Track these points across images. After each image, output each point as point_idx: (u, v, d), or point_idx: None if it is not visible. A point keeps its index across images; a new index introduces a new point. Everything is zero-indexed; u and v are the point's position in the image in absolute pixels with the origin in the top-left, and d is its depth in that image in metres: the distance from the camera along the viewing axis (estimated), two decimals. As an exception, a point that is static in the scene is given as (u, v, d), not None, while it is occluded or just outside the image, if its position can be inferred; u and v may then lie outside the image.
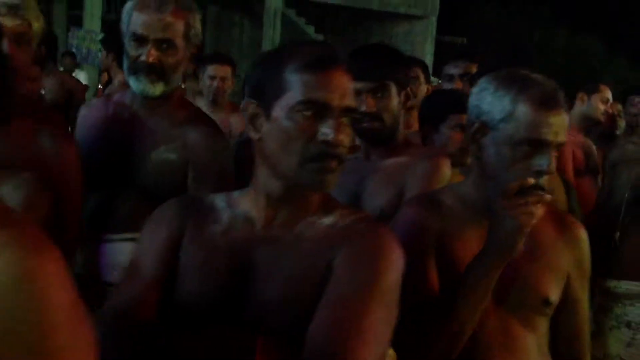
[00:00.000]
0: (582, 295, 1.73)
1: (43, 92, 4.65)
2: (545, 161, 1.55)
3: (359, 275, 1.28)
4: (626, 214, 2.84)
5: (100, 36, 11.12)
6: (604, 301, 2.89)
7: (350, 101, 1.32)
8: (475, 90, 1.66)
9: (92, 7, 11.06)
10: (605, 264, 2.88)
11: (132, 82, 2.10)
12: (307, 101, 1.29)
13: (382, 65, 2.02)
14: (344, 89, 1.31)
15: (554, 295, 1.65)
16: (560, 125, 1.56)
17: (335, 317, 1.24)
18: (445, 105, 2.48)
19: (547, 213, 1.70)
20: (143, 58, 2.05)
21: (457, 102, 2.47)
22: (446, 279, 1.59)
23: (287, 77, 1.31)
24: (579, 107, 4.18)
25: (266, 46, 12.74)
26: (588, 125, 4.19)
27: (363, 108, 2.01)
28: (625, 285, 2.81)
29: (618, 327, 2.82)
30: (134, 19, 2.07)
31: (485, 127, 1.60)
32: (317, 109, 1.29)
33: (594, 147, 4.09)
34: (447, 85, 3.57)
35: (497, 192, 1.58)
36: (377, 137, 2.06)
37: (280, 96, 1.31)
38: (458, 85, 3.51)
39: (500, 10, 18.84)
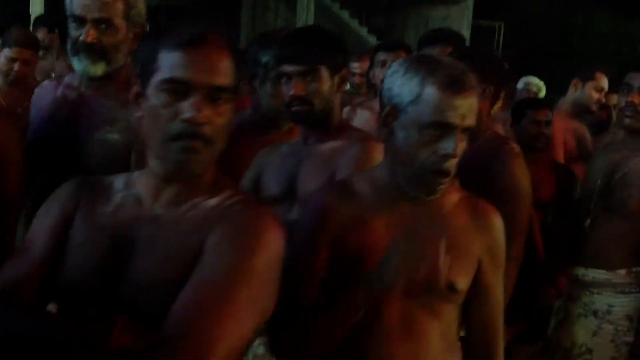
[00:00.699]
0: (495, 282, 1.69)
1: (53, 75, 4.75)
2: (451, 144, 1.52)
3: (227, 255, 1.27)
4: (597, 202, 2.77)
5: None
6: (572, 289, 2.82)
7: (220, 79, 1.30)
8: (387, 73, 1.64)
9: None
10: (575, 251, 2.82)
11: (74, 63, 2.13)
12: (171, 79, 1.29)
13: (313, 49, 2.00)
14: (211, 67, 1.30)
15: (461, 282, 1.62)
16: (467, 108, 1.53)
17: (194, 298, 1.23)
18: None
19: (460, 198, 1.67)
20: (82, 38, 2.08)
21: None
22: (350, 264, 1.57)
23: (158, 55, 1.32)
24: (572, 93, 4.05)
25: (299, 31, 12.70)
26: (579, 112, 4.06)
27: (292, 92, 2.00)
28: (592, 274, 2.73)
29: (585, 316, 2.75)
30: (74, 1, 2.10)
31: (396, 110, 1.57)
32: (180, 88, 1.29)
33: (587, 133, 3.97)
34: None
35: (407, 176, 1.56)
36: (308, 120, 2.05)
37: (153, 75, 1.32)
38: None
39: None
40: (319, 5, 13.42)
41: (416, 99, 1.53)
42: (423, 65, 1.56)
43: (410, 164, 1.55)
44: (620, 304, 2.68)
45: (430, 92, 1.52)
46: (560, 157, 3.78)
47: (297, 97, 2.00)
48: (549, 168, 3.61)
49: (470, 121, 1.55)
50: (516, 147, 2.69)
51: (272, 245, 1.31)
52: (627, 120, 2.63)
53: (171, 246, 1.32)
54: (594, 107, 4.01)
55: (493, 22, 15.73)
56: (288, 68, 2.00)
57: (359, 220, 1.60)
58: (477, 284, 1.66)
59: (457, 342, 1.68)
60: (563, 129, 3.81)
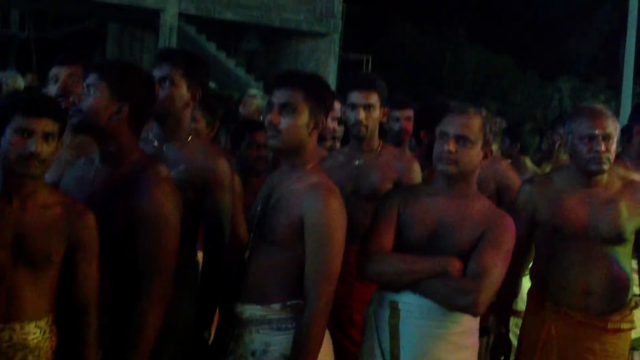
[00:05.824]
0: None
1: None
2: None
3: None
4: (255, 230, 2.47)
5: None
6: (237, 329, 2.50)
7: None
8: None
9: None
10: (236, 286, 2.51)
11: None
12: None
13: None
14: None
15: None
16: None
17: None
18: None
19: None
20: None
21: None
22: None
23: None
24: None
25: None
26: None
27: None
28: (249, 310, 2.40)
29: (245, 357, 2.43)
30: None
31: None
32: None
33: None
34: None
35: None
36: None
37: None
38: None
39: (413, 30, 18.73)
40: (184, 37, 13.11)
41: None
42: None
43: None
44: (276, 343, 2.36)
45: None
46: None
47: None
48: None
49: None
50: (163, 171, 2.37)
51: None
52: (270, 141, 2.36)
53: None
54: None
55: (361, 55, 15.86)
56: None
57: None
58: None
59: None
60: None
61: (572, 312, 2.82)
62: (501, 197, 3.44)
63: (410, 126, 4.06)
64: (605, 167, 2.74)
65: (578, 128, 2.75)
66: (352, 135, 3.28)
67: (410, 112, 4.09)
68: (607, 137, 2.72)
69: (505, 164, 3.66)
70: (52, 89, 2.96)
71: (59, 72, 3.00)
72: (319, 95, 2.34)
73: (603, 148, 2.70)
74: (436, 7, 19.86)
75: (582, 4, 20.56)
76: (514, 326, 3.43)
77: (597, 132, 2.71)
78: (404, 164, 3.25)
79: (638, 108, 3.59)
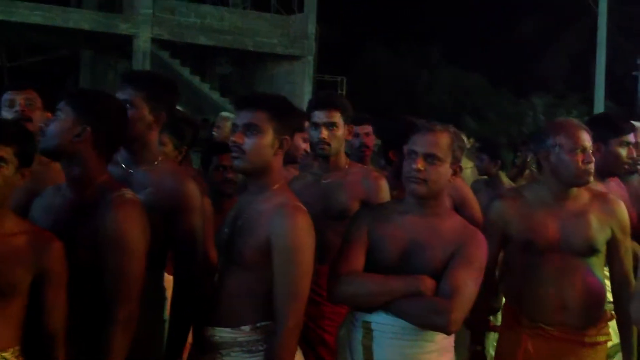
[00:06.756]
0: None
1: None
2: None
3: None
4: (223, 253, 2.44)
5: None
6: (207, 353, 2.45)
7: None
8: None
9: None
10: (206, 309, 2.46)
11: None
12: None
13: None
14: None
15: None
16: None
17: None
18: None
19: None
20: None
21: None
22: None
23: None
24: None
25: (136, 88, 12.27)
26: None
27: None
28: (219, 333, 2.36)
29: (218, 383, 2.38)
30: None
31: None
32: None
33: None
34: None
35: None
36: None
37: None
38: None
39: (388, 51, 18.89)
40: (157, 62, 13.07)
41: None
42: None
43: None
44: (246, 365, 2.33)
45: None
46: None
47: None
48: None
49: None
50: (127, 194, 2.32)
51: None
52: (234, 162, 2.34)
53: None
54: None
55: (335, 77, 15.94)
56: None
57: None
58: None
59: None
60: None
61: (548, 327, 2.80)
62: (459, 213, 3.44)
63: (370, 141, 4.08)
64: (592, 179, 2.76)
65: (566, 141, 2.74)
66: (318, 155, 3.26)
67: (369, 128, 4.10)
68: (590, 150, 2.75)
69: (459, 180, 3.65)
70: (8, 114, 2.92)
71: (14, 98, 2.97)
72: (283, 116, 2.32)
73: (591, 160, 2.72)
74: (410, 29, 20.07)
75: (554, 23, 20.90)
76: (494, 341, 3.41)
77: (586, 144, 2.73)
78: (371, 182, 3.23)
79: (592, 125, 3.57)
